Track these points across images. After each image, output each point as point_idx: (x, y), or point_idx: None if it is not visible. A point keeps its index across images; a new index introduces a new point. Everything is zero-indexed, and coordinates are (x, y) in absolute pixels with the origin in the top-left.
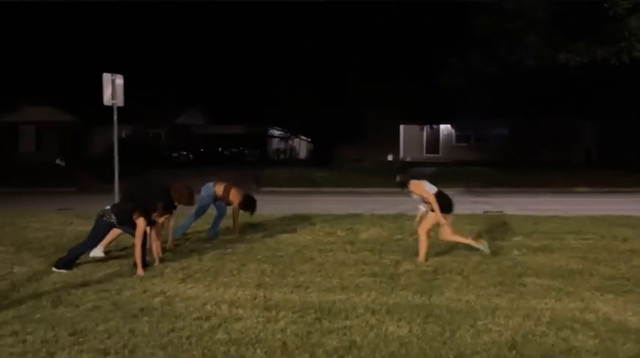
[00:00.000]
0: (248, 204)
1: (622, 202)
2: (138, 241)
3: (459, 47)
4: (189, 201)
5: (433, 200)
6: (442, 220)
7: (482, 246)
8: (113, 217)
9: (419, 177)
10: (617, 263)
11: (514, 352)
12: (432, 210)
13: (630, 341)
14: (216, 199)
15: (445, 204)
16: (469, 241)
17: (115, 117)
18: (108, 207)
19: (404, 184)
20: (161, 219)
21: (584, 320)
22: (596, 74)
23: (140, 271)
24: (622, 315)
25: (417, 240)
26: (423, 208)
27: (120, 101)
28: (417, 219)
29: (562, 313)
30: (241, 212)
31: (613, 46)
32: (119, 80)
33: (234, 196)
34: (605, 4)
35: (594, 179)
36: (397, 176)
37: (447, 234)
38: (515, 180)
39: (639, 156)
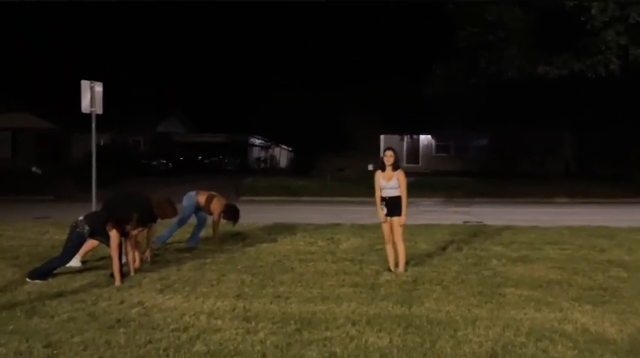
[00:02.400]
0: (231, 214)
1: (600, 213)
2: (114, 252)
3: (441, 58)
4: (172, 214)
5: (406, 195)
6: (403, 220)
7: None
8: (86, 228)
9: None
10: (594, 273)
11: None
12: (390, 214)
13: (608, 352)
14: (198, 209)
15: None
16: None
17: (94, 125)
18: (81, 218)
19: (395, 167)
20: (135, 232)
21: (563, 331)
22: (575, 86)
23: (117, 282)
24: (600, 326)
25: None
26: (384, 209)
27: (99, 109)
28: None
29: (541, 323)
30: (223, 221)
31: (590, 59)
32: (98, 87)
33: (216, 206)
34: (582, 18)
35: (573, 190)
36: (394, 155)
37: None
38: (494, 190)
39: (617, 167)
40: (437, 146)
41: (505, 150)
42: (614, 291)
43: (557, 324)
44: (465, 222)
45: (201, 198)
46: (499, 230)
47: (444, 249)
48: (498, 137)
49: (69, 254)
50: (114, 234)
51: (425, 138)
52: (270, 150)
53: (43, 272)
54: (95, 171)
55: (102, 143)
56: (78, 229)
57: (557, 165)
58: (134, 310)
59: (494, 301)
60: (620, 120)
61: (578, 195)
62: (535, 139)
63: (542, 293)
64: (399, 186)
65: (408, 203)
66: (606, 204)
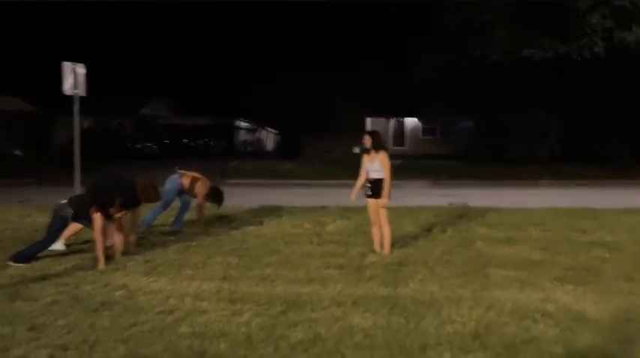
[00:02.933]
0: (215, 196)
1: (584, 194)
2: (97, 236)
3: (428, 41)
4: (156, 198)
5: (389, 176)
6: (387, 202)
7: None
8: (69, 211)
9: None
10: (577, 254)
11: (477, 342)
12: (371, 195)
13: (589, 331)
14: (181, 192)
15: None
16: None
17: (77, 107)
18: (64, 201)
19: (378, 148)
20: (119, 215)
21: (545, 311)
22: (560, 69)
23: (101, 265)
24: (581, 305)
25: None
26: (369, 191)
27: (82, 91)
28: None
29: (524, 303)
30: (207, 204)
31: (575, 41)
32: (81, 69)
33: (201, 188)
34: (567, 1)
35: (557, 172)
36: (369, 138)
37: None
38: (480, 172)
39: (601, 149)
40: (423, 129)
41: (491, 133)
42: (596, 271)
43: (540, 304)
44: (450, 204)
45: (185, 181)
46: (484, 212)
47: (429, 230)
48: (484, 120)
49: (52, 237)
50: (97, 218)
51: (411, 121)
52: (257, 133)
53: (27, 256)
54: (78, 155)
55: (86, 126)
56: (61, 213)
57: (542, 148)
58: (118, 293)
59: (477, 282)
60: (605, 102)
61: (562, 176)
62: (520, 122)
63: (526, 274)
64: (382, 168)
65: (394, 185)
66: (590, 185)
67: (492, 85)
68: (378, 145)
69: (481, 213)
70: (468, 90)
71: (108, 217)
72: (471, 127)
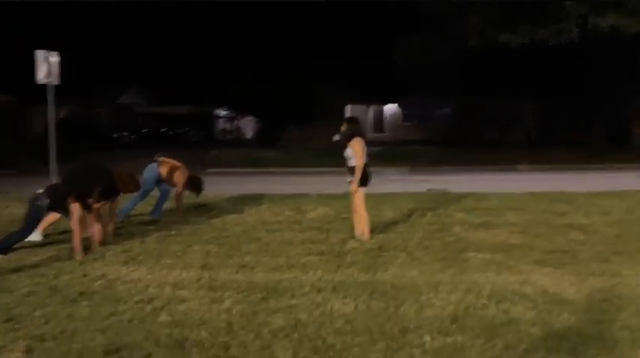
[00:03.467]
0: (194, 185)
1: (560, 179)
2: (75, 226)
3: (407, 26)
4: (135, 188)
5: (360, 166)
6: (355, 188)
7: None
8: (46, 201)
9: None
10: (555, 237)
11: (456, 325)
12: (350, 182)
13: (566, 312)
14: (160, 181)
15: (365, 178)
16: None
17: (51, 97)
18: (41, 191)
19: (349, 138)
20: (97, 205)
21: (523, 293)
22: (536, 55)
23: (79, 256)
24: (559, 287)
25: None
26: (349, 178)
27: (55, 79)
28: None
29: (502, 286)
30: (186, 193)
31: (551, 27)
32: (54, 58)
33: (179, 177)
34: None
35: (534, 157)
36: (345, 125)
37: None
38: (458, 158)
39: (577, 134)
40: (403, 115)
41: (469, 119)
42: (573, 254)
43: (518, 286)
44: (428, 189)
45: (163, 170)
46: (462, 197)
47: (408, 216)
48: (463, 106)
49: (29, 228)
50: (75, 208)
51: (391, 108)
52: (236, 122)
53: (3, 247)
54: (54, 145)
55: (61, 116)
56: (37, 203)
57: (519, 134)
58: (97, 283)
59: (456, 266)
60: (580, 88)
61: (539, 161)
62: (499, 108)
63: (504, 257)
64: (354, 156)
65: (373, 172)
66: (567, 170)
67: (471, 71)
68: (351, 133)
69: (459, 198)
70: (447, 77)
71: (86, 207)
72: (450, 113)
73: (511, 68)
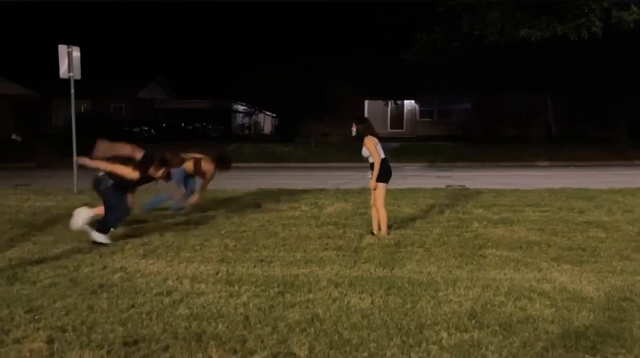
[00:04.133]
0: (223, 163)
1: (581, 175)
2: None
3: (424, 22)
4: (179, 163)
5: (378, 162)
6: (374, 184)
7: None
8: (110, 181)
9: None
10: (573, 234)
11: (473, 321)
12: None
13: (585, 309)
14: (187, 177)
15: (385, 174)
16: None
17: (73, 91)
18: (101, 173)
19: (361, 137)
20: (159, 174)
21: (542, 290)
22: (557, 50)
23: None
24: (577, 285)
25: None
26: (370, 175)
27: (77, 74)
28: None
29: (520, 283)
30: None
31: (573, 21)
32: (76, 52)
33: (206, 165)
34: None
35: (554, 153)
36: (356, 125)
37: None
38: (477, 154)
39: (598, 130)
40: (421, 111)
41: (488, 115)
42: (593, 251)
43: (536, 283)
44: (447, 185)
45: (189, 165)
46: (481, 193)
47: (426, 212)
48: (481, 101)
49: (120, 206)
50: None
51: (409, 104)
52: (254, 117)
53: (102, 227)
54: (75, 137)
55: (82, 110)
56: (102, 185)
57: (539, 129)
58: (117, 275)
59: (474, 262)
60: (602, 83)
61: (559, 158)
62: (517, 103)
63: (522, 254)
64: (370, 154)
65: (393, 168)
66: (587, 166)
67: (490, 66)
68: (362, 132)
69: (478, 194)
70: (465, 72)
71: (167, 176)
72: (469, 109)
73: (530, 63)
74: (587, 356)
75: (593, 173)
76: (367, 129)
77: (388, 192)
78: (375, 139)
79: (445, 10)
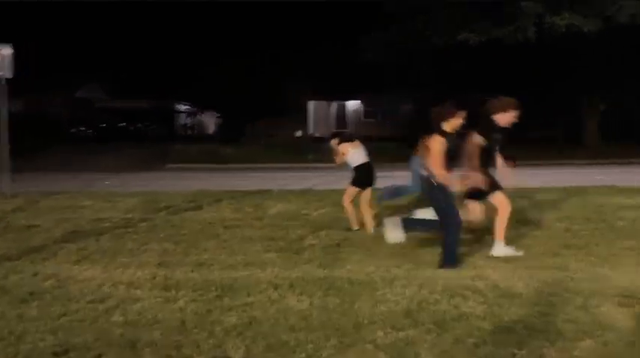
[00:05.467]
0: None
1: (525, 174)
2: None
3: (369, 24)
4: None
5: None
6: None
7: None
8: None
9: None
10: (509, 232)
11: (409, 319)
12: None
13: (515, 306)
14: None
15: (359, 180)
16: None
17: (3, 91)
18: (424, 174)
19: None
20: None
21: (475, 288)
22: (496, 53)
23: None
24: (510, 281)
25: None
26: None
27: (8, 73)
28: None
29: (455, 281)
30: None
31: (508, 26)
32: (6, 50)
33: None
34: None
35: (500, 153)
36: (333, 138)
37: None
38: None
39: (542, 130)
40: (365, 111)
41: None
42: (526, 248)
43: (471, 281)
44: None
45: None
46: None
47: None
48: (426, 103)
49: (452, 213)
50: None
51: (354, 104)
52: (198, 117)
53: (451, 257)
54: (6, 140)
55: (13, 110)
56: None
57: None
58: (48, 282)
59: (412, 261)
60: (539, 86)
61: (505, 158)
62: (461, 105)
63: (460, 252)
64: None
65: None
66: (532, 166)
67: (432, 67)
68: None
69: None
70: (409, 73)
71: None
72: (413, 110)
73: (471, 65)
74: (514, 350)
75: (538, 172)
76: (342, 138)
77: (334, 192)
78: (351, 145)
79: (392, 11)
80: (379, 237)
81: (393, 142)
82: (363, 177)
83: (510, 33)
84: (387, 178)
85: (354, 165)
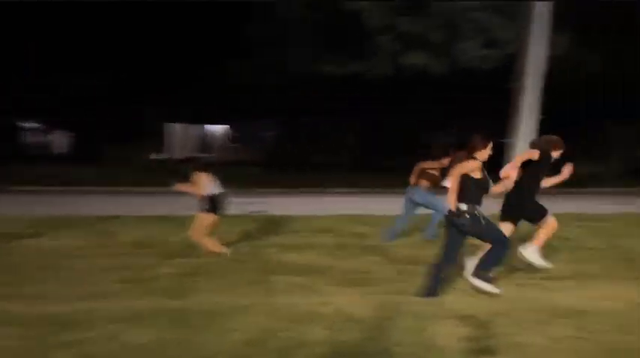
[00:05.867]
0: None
1: (375, 201)
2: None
3: (237, 51)
4: None
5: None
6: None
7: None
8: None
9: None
10: (356, 259)
11: (253, 349)
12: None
13: (355, 330)
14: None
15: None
16: (212, 248)
17: None
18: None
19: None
20: None
21: (321, 314)
22: (356, 85)
23: None
24: (354, 307)
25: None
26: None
27: None
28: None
29: (302, 308)
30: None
31: (367, 61)
32: None
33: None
34: (360, 22)
35: (354, 180)
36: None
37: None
38: (283, 180)
39: (392, 160)
40: (230, 136)
41: (295, 142)
42: (371, 274)
43: (317, 308)
44: (250, 212)
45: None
46: (279, 219)
47: (224, 239)
48: (289, 128)
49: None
50: None
51: (218, 128)
52: (47, 136)
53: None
54: None
55: None
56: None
57: (340, 158)
58: None
59: (264, 289)
60: (398, 118)
61: (358, 185)
62: (324, 132)
63: (309, 280)
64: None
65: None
66: (383, 193)
67: (300, 94)
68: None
69: (276, 220)
70: (276, 99)
71: None
72: (277, 135)
73: (332, 94)
74: None
75: (385, 199)
76: (197, 167)
77: (186, 218)
78: (205, 175)
79: (255, 39)
80: (235, 263)
81: (260, 167)
82: (214, 205)
83: (370, 68)
84: (247, 204)
85: (207, 194)
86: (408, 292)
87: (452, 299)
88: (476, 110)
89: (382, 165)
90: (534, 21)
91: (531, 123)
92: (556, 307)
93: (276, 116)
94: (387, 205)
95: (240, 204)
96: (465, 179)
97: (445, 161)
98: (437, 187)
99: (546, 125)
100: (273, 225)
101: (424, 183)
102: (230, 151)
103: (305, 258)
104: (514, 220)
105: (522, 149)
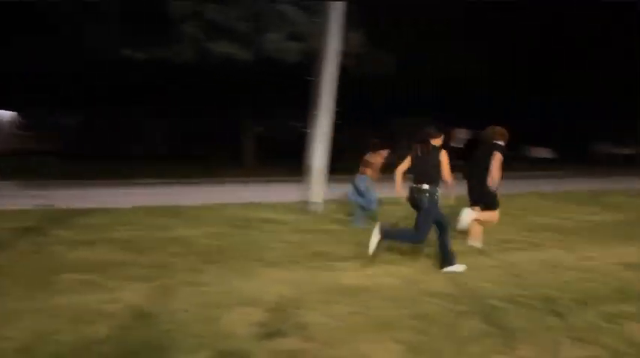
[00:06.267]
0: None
1: (180, 192)
2: None
3: (26, 25)
4: None
5: None
6: None
7: None
8: None
9: None
10: (154, 251)
11: (25, 356)
12: None
13: (144, 326)
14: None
15: None
16: None
17: None
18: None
19: None
20: None
21: (107, 311)
22: (162, 72)
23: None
24: (143, 302)
25: None
26: None
27: None
28: None
29: (87, 306)
30: None
31: (170, 48)
32: None
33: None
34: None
35: (161, 171)
36: None
37: None
38: (82, 171)
39: (205, 149)
40: (21, 123)
41: (98, 131)
42: (169, 267)
43: (103, 305)
44: (36, 205)
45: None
46: (72, 213)
47: (9, 236)
48: (95, 118)
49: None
50: None
51: (6, 114)
52: None
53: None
54: None
55: None
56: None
57: (147, 147)
58: None
59: (47, 289)
60: (207, 107)
61: (165, 175)
62: (126, 121)
63: (99, 276)
64: None
65: None
66: (187, 183)
67: (102, 80)
68: None
69: (68, 214)
70: (76, 85)
71: None
72: (80, 124)
73: (137, 82)
74: None
75: (191, 189)
76: None
77: None
78: None
79: (45, 15)
80: (11, 264)
81: (53, 158)
82: None
83: (174, 54)
84: (37, 198)
85: None
86: (203, 282)
87: (246, 287)
88: (283, 100)
89: (190, 155)
90: (330, 17)
91: (327, 116)
92: (342, 287)
93: (76, 103)
94: (195, 195)
95: (27, 198)
96: None
97: (384, 153)
98: (378, 177)
99: (342, 120)
100: (60, 219)
101: (368, 171)
102: (19, 140)
103: (96, 254)
104: None
105: (320, 139)
